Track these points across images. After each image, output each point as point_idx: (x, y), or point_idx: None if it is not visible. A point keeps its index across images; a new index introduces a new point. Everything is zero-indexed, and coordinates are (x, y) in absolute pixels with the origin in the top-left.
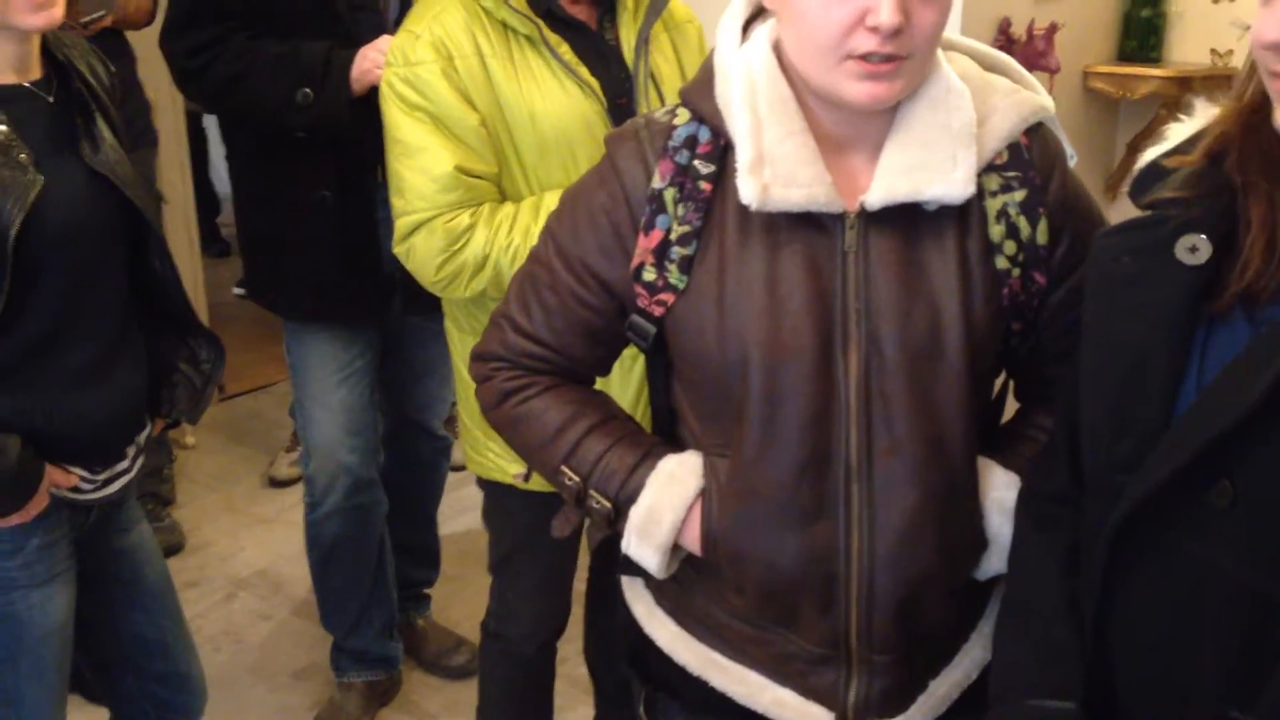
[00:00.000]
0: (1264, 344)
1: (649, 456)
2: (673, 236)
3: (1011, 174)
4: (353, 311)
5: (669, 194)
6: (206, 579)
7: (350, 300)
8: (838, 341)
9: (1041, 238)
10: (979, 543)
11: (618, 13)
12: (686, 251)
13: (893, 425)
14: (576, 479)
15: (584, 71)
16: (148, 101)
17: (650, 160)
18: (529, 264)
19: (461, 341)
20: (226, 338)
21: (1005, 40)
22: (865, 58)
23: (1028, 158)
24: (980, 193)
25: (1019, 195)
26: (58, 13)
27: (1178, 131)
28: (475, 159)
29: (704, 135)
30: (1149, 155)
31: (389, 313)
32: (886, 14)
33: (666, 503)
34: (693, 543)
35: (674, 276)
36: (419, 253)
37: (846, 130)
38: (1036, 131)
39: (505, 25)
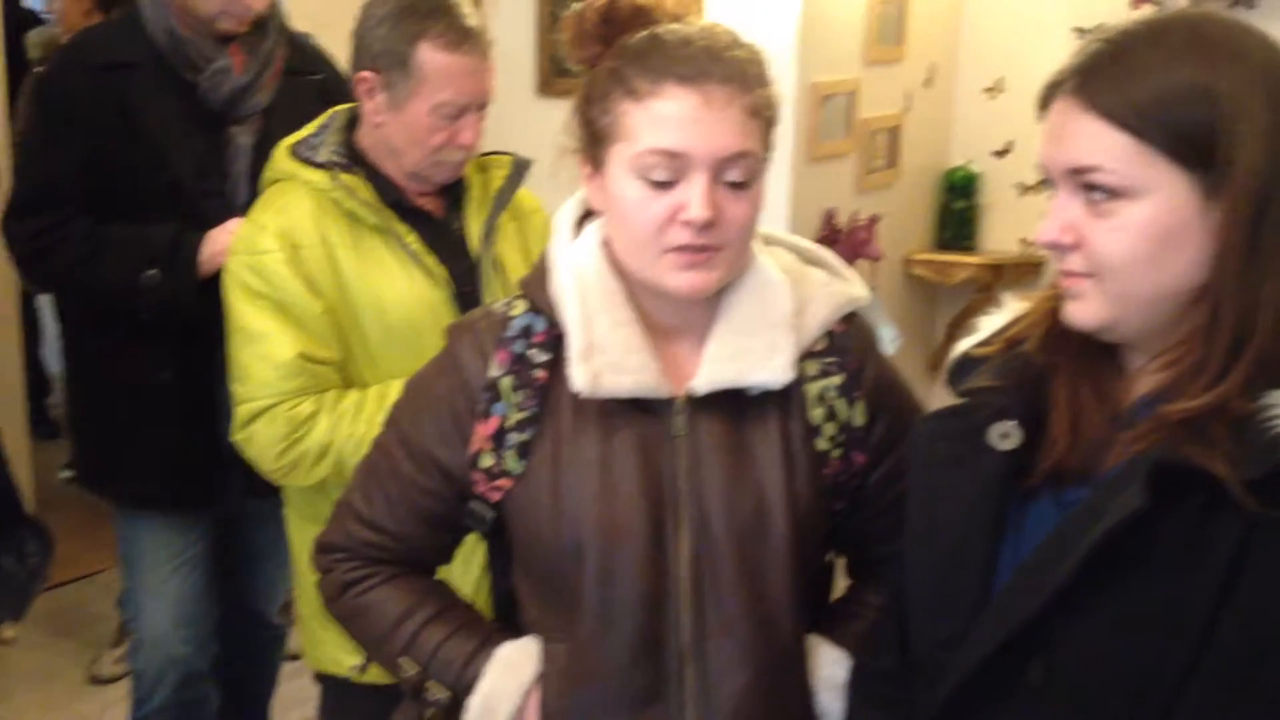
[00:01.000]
0: (1071, 525)
1: (487, 644)
2: (509, 423)
3: (829, 360)
4: (190, 497)
5: (505, 382)
6: None
7: (188, 485)
8: (669, 523)
9: (859, 419)
10: None
11: (464, 203)
12: (523, 437)
13: (723, 605)
14: (415, 669)
15: (431, 260)
16: None
17: (488, 349)
18: (372, 452)
19: (300, 528)
20: (51, 523)
21: (830, 230)
22: (681, 250)
23: (844, 344)
24: (800, 378)
25: (837, 380)
26: None
27: (987, 324)
28: (319, 346)
29: (540, 325)
30: (961, 346)
31: (228, 497)
32: (697, 210)
33: (503, 690)
34: None
35: (511, 462)
36: (259, 440)
37: (674, 320)
38: (851, 320)
39: (353, 215)
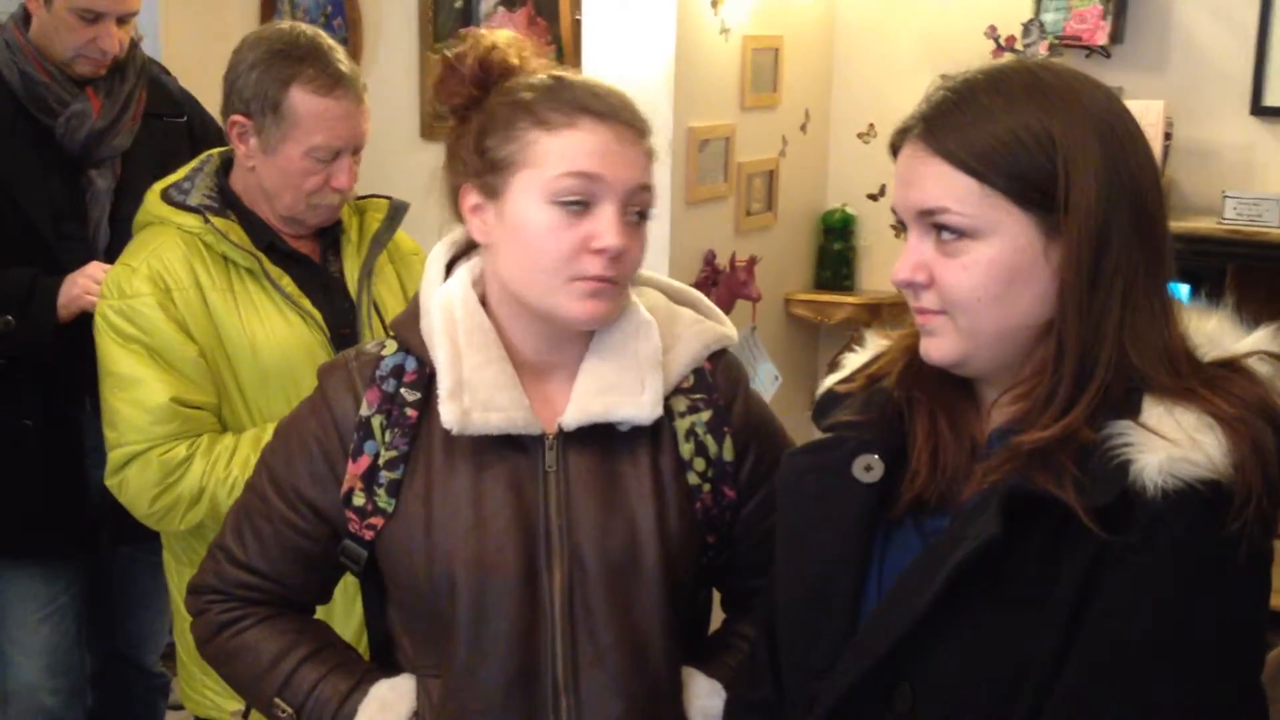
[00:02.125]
0: (931, 554)
1: (362, 683)
2: (380, 461)
3: (697, 396)
4: (57, 545)
5: (376, 421)
6: None
7: (54, 533)
8: (541, 557)
9: (728, 454)
10: None
11: (342, 246)
12: (394, 475)
13: (596, 637)
14: (290, 711)
15: (306, 303)
16: None
17: (359, 389)
18: (244, 494)
19: (179, 573)
20: None
21: (711, 270)
22: (589, 279)
23: (711, 381)
24: (670, 414)
25: (705, 415)
26: None
27: (852, 361)
28: (193, 390)
29: (411, 365)
30: (827, 383)
31: (97, 545)
32: (611, 238)
33: None
34: None
35: (382, 500)
36: (132, 485)
37: (544, 357)
38: (720, 358)
39: (226, 258)
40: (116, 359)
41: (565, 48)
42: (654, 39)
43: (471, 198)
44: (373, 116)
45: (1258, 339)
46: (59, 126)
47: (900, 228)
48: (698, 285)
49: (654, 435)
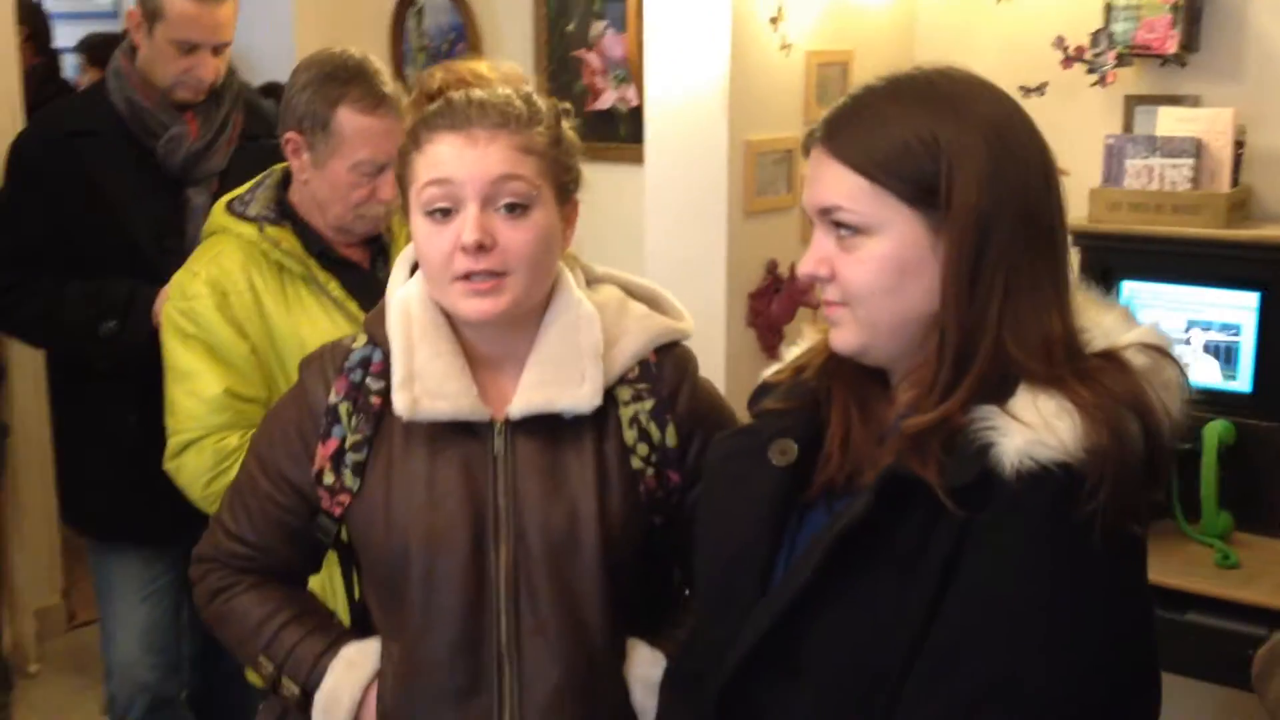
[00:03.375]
0: (823, 532)
1: (335, 645)
2: (347, 444)
3: (641, 385)
4: (156, 532)
5: (343, 407)
6: None
7: (154, 521)
8: (489, 535)
9: (671, 441)
10: (626, 716)
11: (390, 253)
12: (359, 457)
13: (538, 608)
14: (271, 667)
15: (352, 305)
16: None
17: (330, 377)
18: (239, 473)
19: None
20: (81, 565)
21: (773, 279)
22: (466, 277)
23: (656, 372)
24: (615, 402)
25: (648, 404)
26: None
27: (789, 354)
28: (245, 384)
29: (377, 356)
30: (764, 374)
31: (195, 532)
32: (467, 233)
33: (345, 686)
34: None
35: (348, 480)
36: (188, 470)
37: (495, 350)
38: (668, 350)
39: (280, 265)
40: (177, 354)
41: None
42: (709, 57)
43: (408, 219)
44: None
45: (1140, 332)
46: (160, 148)
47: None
48: (759, 294)
49: (598, 422)
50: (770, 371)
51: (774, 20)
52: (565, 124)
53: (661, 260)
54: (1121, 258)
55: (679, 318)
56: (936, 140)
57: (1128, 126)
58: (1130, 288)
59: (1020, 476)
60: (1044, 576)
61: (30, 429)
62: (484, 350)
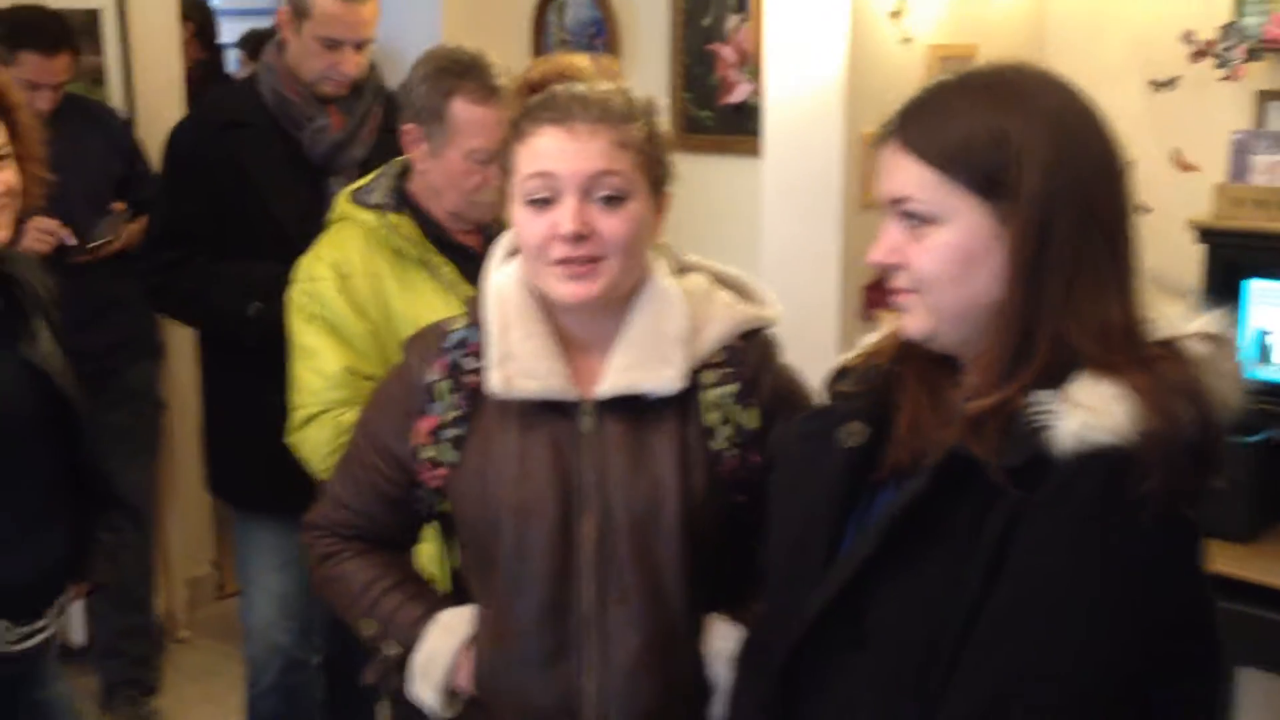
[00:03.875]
0: (886, 509)
1: (432, 610)
2: (445, 420)
3: (726, 370)
4: (292, 505)
5: (442, 385)
6: None
7: (290, 495)
8: (576, 508)
9: (753, 423)
10: (702, 688)
11: None
12: (457, 432)
13: (621, 579)
14: (375, 629)
15: (465, 288)
16: (155, 316)
17: (430, 357)
18: (348, 445)
19: None
20: (231, 537)
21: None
22: (563, 262)
23: (740, 358)
24: (699, 385)
25: (732, 388)
26: (2, 234)
27: (865, 340)
28: (364, 362)
29: (474, 337)
30: (842, 359)
31: None
32: (566, 223)
33: (441, 649)
34: (465, 683)
35: (447, 454)
36: (309, 443)
37: (585, 333)
38: (753, 336)
39: (399, 250)
40: (301, 332)
41: None
42: (828, 50)
43: (509, 205)
44: None
45: (1203, 322)
46: (305, 139)
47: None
48: (874, 286)
49: (682, 404)
50: (845, 357)
51: (895, 14)
52: (658, 120)
53: (778, 252)
54: (1246, 255)
55: (765, 305)
56: (1005, 132)
57: (1260, 122)
58: (1254, 286)
59: (1074, 458)
60: (1092, 552)
61: (186, 406)
62: (575, 333)
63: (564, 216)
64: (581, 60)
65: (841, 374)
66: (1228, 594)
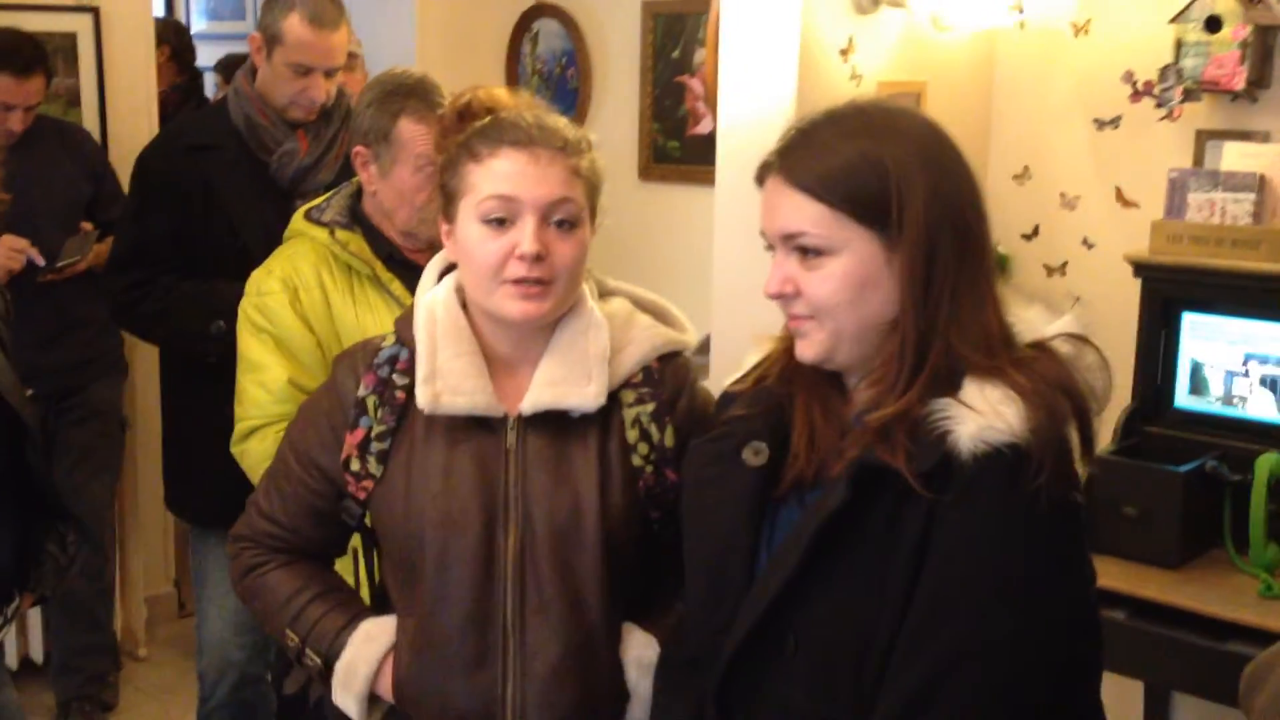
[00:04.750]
0: (801, 523)
1: (354, 620)
2: (372, 434)
3: (644, 389)
4: None
5: (370, 400)
6: None
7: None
8: (499, 521)
9: (669, 441)
10: (620, 694)
11: None
12: (383, 446)
13: (541, 589)
14: (297, 640)
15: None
16: (120, 335)
17: (359, 372)
18: (274, 459)
19: None
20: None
21: None
22: (518, 281)
23: (658, 378)
24: (618, 404)
25: (649, 407)
26: None
27: (746, 362)
28: (308, 376)
29: (404, 354)
30: (725, 383)
31: None
32: (527, 244)
33: (362, 658)
34: (385, 691)
35: (373, 466)
36: (252, 455)
37: (513, 351)
38: (671, 359)
39: (349, 266)
40: (249, 345)
41: None
42: (777, 84)
43: (443, 225)
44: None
45: (1063, 323)
46: (273, 162)
47: (771, 249)
48: None
49: (603, 421)
50: (731, 381)
51: (844, 51)
52: (598, 154)
53: (729, 279)
54: (1182, 290)
55: (682, 329)
56: (883, 163)
57: (1199, 160)
58: (1190, 319)
59: (976, 458)
60: (1003, 542)
61: (149, 425)
62: (501, 352)
63: (525, 238)
64: (504, 92)
65: (728, 399)
66: (1159, 620)
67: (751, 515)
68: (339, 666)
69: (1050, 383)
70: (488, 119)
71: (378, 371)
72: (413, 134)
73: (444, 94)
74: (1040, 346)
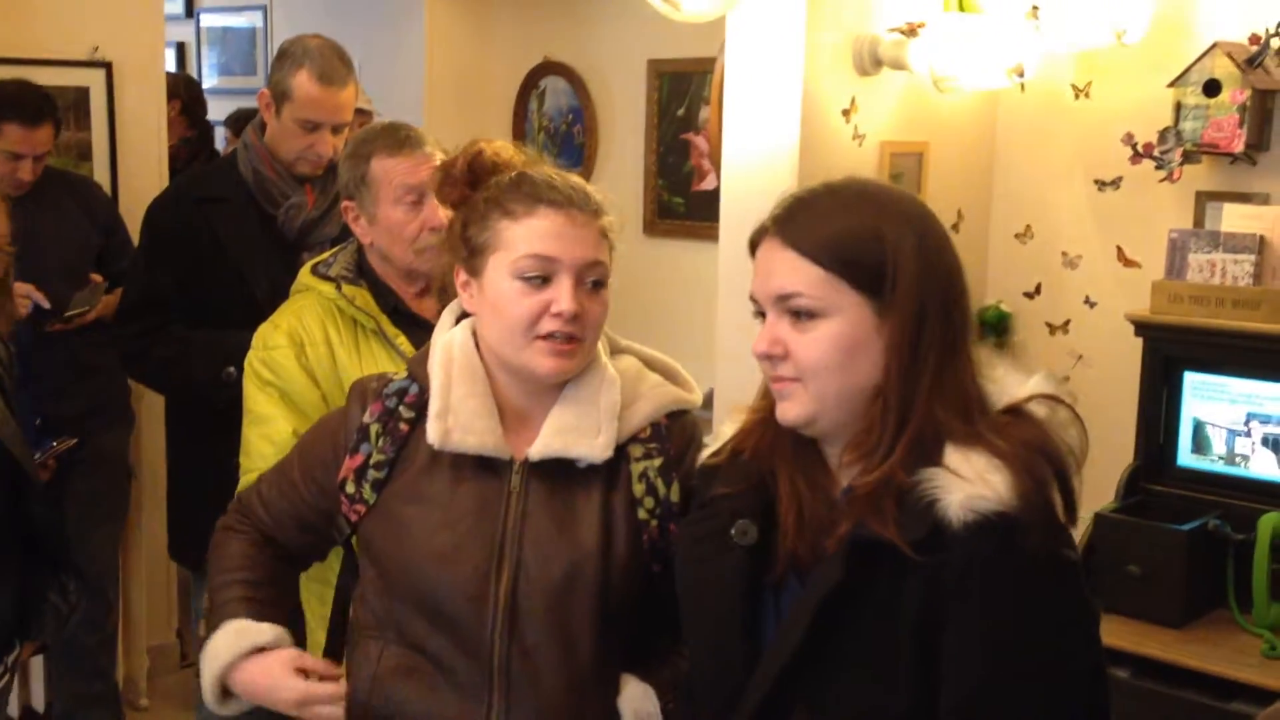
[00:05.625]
0: (802, 602)
1: (243, 614)
2: (370, 462)
3: (651, 445)
4: None
5: (374, 428)
6: None
7: None
8: (493, 562)
9: (674, 497)
10: None
11: None
12: (379, 475)
13: (531, 634)
14: (208, 606)
15: None
16: (128, 385)
17: (369, 401)
18: (286, 455)
19: (306, 588)
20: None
21: None
22: (550, 337)
23: (665, 434)
24: (626, 457)
25: (656, 462)
26: None
27: (720, 435)
28: None
29: (413, 390)
30: (700, 458)
31: None
32: (566, 303)
33: (222, 648)
34: (241, 689)
35: (366, 493)
36: None
37: (526, 402)
38: (678, 417)
39: (355, 320)
40: (255, 398)
41: None
42: (780, 144)
43: (461, 276)
44: None
45: (1034, 384)
46: (280, 215)
47: (760, 315)
48: None
49: (609, 474)
50: (706, 454)
51: (846, 111)
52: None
53: (732, 335)
54: (1183, 349)
55: (690, 390)
56: (880, 232)
57: (1199, 221)
58: (1191, 378)
59: (966, 527)
60: (1010, 607)
61: (154, 474)
62: (514, 402)
63: (563, 297)
64: (508, 145)
65: (705, 473)
66: (1163, 679)
67: (745, 594)
68: (207, 644)
69: (1030, 447)
70: (514, 175)
71: (385, 402)
72: (385, 169)
73: (412, 131)
74: (1016, 411)
